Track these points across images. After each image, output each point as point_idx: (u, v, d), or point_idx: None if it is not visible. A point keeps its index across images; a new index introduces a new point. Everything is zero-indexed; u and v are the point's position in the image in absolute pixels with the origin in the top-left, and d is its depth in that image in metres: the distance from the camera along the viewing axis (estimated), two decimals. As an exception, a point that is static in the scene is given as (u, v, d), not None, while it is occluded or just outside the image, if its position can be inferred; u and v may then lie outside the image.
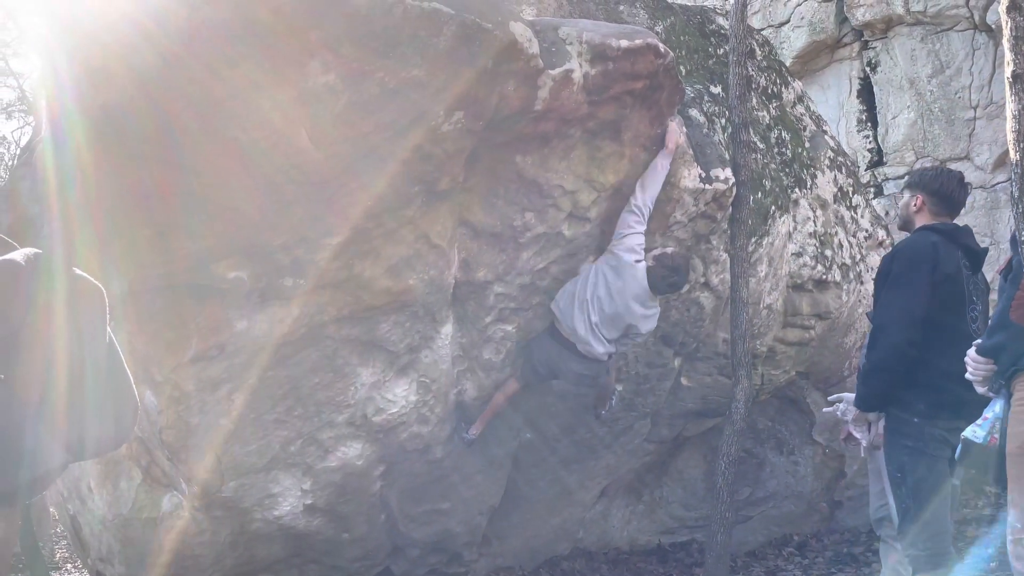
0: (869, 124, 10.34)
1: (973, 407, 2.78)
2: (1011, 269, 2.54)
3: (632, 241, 4.22)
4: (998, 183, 9.30)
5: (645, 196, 4.22)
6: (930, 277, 3.14)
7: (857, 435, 3.46)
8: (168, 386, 3.93)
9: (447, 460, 4.72)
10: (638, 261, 4.23)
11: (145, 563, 4.50)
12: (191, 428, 4.01)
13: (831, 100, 10.59)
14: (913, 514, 3.20)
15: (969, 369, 2.72)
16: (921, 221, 3.39)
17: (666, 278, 4.27)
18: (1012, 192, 2.40)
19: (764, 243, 5.06)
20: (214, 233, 3.62)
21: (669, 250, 4.36)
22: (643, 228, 4.24)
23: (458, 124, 3.63)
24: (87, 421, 2.07)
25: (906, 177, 10.14)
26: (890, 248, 6.29)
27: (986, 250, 3.37)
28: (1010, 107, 2.33)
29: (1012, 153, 2.35)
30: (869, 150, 10.21)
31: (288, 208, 3.61)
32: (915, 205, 3.41)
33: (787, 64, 7.82)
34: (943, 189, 3.35)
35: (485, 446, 4.93)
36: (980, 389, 2.69)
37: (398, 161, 3.63)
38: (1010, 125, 2.35)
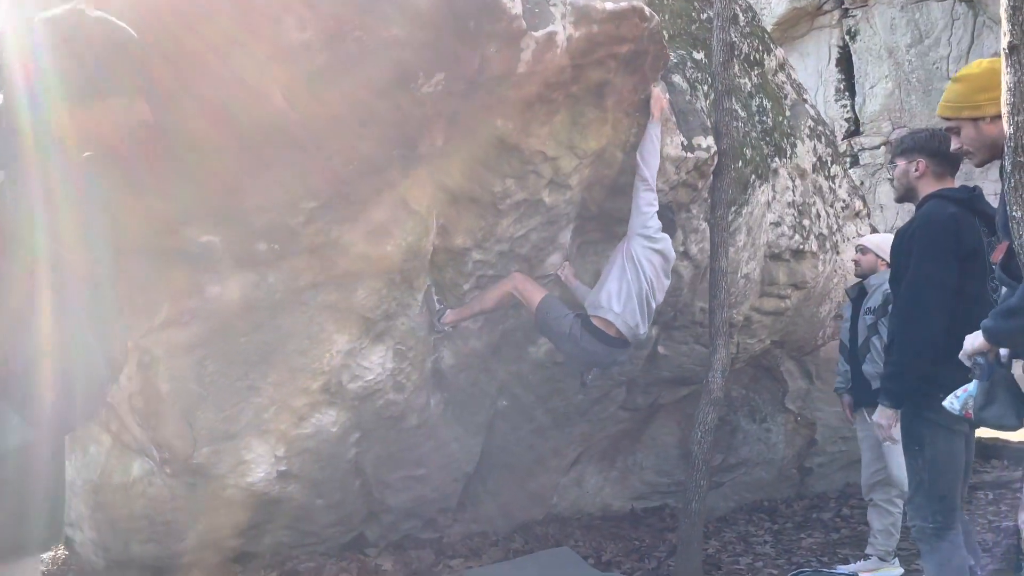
0: (847, 93, 10.34)
1: None
2: (1012, 256, 2.38)
3: (658, 221, 4.25)
4: (972, 154, 9.36)
5: (651, 169, 4.20)
6: (956, 254, 3.00)
7: (896, 437, 3.27)
8: (138, 351, 3.84)
9: (423, 428, 4.68)
10: None
11: (115, 528, 4.43)
12: (161, 394, 3.93)
13: (810, 68, 10.57)
14: (927, 487, 3.13)
15: (970, 344, 2.55)
16: (926, 188, 3.23)
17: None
18: (1004, 166, 2.37)
19: (744, 212, 5.03)
20: (185, 195, 3.50)
21: None
22: (657, 204, 4.27)
23: (439, 86, 3.53)
24: (49, 395, 1.97)
25: (883, 147, 10.17)
26: (866, 215, 6.31)
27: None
28: (1006, 79, 2.29)
29: (1006, 126, 2.31)
30: (846, 119, 10.22)
31: (262, 170, 3.50)
32: (917, 171, 3.25)
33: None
34: (943, 148, 3.13)
35: (460, 414, 4.90)
36: (968, 362, 2.58)
37: (376, 123, 3.52)
38: (1005, 97, 2.31)
